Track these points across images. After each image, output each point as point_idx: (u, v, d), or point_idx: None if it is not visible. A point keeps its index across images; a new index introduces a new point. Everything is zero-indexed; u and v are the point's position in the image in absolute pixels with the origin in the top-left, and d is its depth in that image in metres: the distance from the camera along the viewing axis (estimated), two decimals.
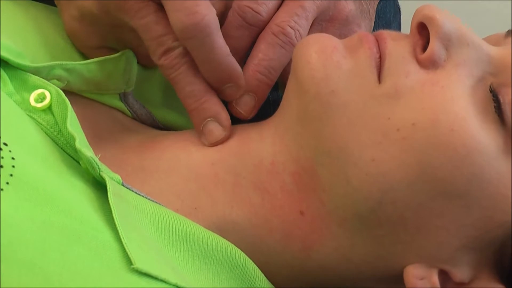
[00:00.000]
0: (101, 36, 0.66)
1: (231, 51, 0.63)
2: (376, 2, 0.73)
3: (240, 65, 0.64)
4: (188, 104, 0.63)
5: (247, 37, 0.64)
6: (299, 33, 0.64)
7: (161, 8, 0.61)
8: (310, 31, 0.66)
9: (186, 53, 0.62)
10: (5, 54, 0.60)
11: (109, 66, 0.66)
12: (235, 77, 0.63)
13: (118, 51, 0.67)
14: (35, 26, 0.66)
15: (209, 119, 0.63)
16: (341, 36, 0.64)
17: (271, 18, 0.64)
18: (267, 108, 0.67)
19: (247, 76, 0.63)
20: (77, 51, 0.68)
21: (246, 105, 0.64)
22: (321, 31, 0.66)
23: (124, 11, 0.61)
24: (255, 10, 0.63)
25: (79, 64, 0.64)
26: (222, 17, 0.64)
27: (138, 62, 0.68)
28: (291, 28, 0.63)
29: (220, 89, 0.63)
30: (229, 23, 0.64)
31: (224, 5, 0.65)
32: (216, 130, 0.63)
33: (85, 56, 0.67)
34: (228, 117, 0.64)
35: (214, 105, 0.63)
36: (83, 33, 0.66)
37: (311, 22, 0.65)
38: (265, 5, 0.64)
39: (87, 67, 0.65)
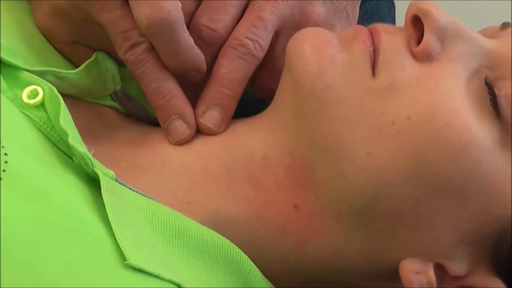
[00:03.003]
0: (73, 32, 0.65)
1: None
2: (358, 2, 0.73)
3: (203, 83, 0.64)
4: (154, 101, 0.63)
5: (207, 56, 0.64)
6: (259, 44, 0.63)
7: (126, 3, 0.61)
8: (278, 41, 0.66)
9: (152, 48, 0.61)
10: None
11: (94, 70, 0.65)
12: (200, 66, 0.63)
13: (91, 48, 0.66)
14: (19, 26, 0.66)
15: (174, 116, 0.63)
16: None
17: (229, 33, 0.64)
18: (262, 107, 0.67)
19: (211, 92, 0.63)
20: (62, 56, 0.67)
21: (213, 118, 0.63)
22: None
23: (91, 5, 0.61)
24: (211, 28, 0.63)
25: (71, 73, 0.64)
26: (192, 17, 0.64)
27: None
28: (249, 39, 0.63)
29: (183, 76, 0.63)
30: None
31: (196, 5, 0.65)
32: (181, 128, 0.63)
33: (69, 61, 0.67)
34: (193, 115, 0.63)
35: (180, 102, 0.63)
36: (55, 28, 0.66)
37: (273, 31, 0.65)
38: (222, 21, 0.64)
39: (78, 75, 0.64)
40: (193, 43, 0.62)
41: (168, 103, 0.62)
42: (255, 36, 0.63)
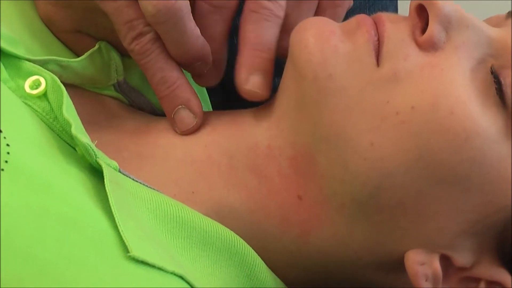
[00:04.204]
0: (75, 20, 0.65)
1: (208, 39, 0.62)
2: None
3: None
4: (159, 91, 0.62)
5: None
6: (278, 3, 0.62)
7: None
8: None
9: (157, 38, 0.61)
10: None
11: (97, 59, 0.65)
12: (205, 56, 0.63)
13: (93, 38, 0.66)
14: (22, 16, 0.66)
15: (180, 106, 0.62)
16: None
17: None
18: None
19: (246, 58, 0.62)
20: (64, 46, 0.67)
21: (258, 83, 0.62)
22: None
23: None
24: None
25: (74, 61, 0.64)
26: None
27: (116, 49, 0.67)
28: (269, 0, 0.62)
29: (189, 67, 0.63)
30: (197, 13, 0.63)
31: None
32: (187, 118, 0.63)
33: (71, 51, 0.67)
34: (200, 104, 0.63)
35: (185, 92, 0.63)
36: (57, 17, 0.65)
37: None
38: None
39: (81, 63, 0.64)
40: (199, 33, 0.61)
41: (173, 93, 0.62)
42: None
